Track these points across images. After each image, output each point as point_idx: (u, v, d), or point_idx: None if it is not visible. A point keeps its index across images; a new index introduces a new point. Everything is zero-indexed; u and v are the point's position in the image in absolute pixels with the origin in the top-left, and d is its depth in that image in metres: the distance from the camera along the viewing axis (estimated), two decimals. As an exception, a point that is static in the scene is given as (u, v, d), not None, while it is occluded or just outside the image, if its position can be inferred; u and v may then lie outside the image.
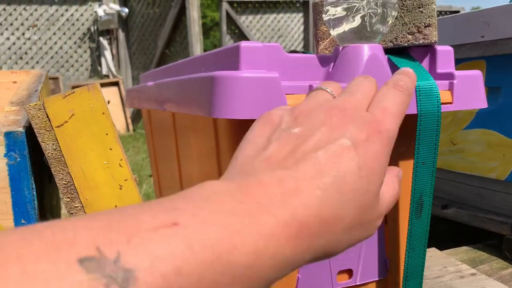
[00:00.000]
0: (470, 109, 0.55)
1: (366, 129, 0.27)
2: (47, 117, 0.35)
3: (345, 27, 0.50)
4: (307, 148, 0.26)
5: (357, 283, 0.58)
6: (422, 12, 0.53)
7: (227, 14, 5.34)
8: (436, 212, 1.08)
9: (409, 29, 0.54)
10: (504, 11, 0.90)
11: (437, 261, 0.81)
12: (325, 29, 0.57)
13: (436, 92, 0.52)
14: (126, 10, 4.68)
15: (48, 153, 0.36)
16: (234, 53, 0.48)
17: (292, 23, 5.59)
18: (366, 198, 0.26)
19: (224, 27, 5.33)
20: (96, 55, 4.64)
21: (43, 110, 0.35)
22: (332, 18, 0.50)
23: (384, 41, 0.55)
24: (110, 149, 0.38)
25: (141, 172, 3.01)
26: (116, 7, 4.59)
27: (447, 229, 1.15)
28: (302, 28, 5.63)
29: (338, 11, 0.49)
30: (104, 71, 4.61)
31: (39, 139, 0.36)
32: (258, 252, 0.21)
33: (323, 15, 0.52)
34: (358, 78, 0.33)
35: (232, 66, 0.49)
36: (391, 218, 0.59)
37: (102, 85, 4.43)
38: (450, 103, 0.54)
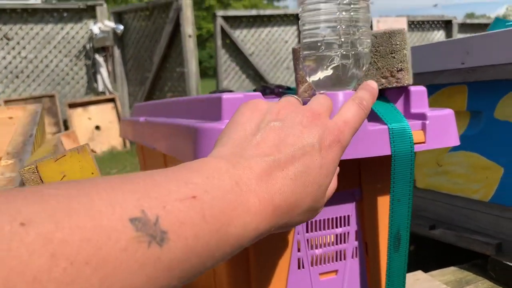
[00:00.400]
0: (442, 147, 0.58)
1: (330, 137, 0.35)
2: (41, 179, 0.38)
3: (320, 75, 0.53)
4: (287, 142, 0.33)
5: (341, 315, 0.60)
6: (394, 57, 0.57)
7: (222, 28, 5.40)
8: (423, 233, 1.10)
9: (382, 73, 0.57)
10: (482, 40, 0.93)
11: (422, 285, 0.84)
12: (303, 73, 0.60)
13: (409, 133, 0.55)
14: (121, 27, 4.72)
15: (41, 212, 0.39)
16: (216, 103, 0.51)
17: (286, 36, 5.65)
18: (319, 192, 0.34)
19: (218, 41, 5.39)
20: (92, 72, 4.67)
21: (36, 173, 0.38)
22: (307, 66, 0.53)
23: (359, 84, 0.59)
24: (99, 205, 0.41)
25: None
26: (111, 24, 4.64)
27: (436, 248, 1.18)
28: (296, 41, 5.68)
29: (312, 61, 0.52)
30: (100, 88, 4.64)
31: (32, 199, 0.39)
32: (245, 226, 0.28)
33: (300, 63, 0.55)
34: (319, 95, 0.40)
35: (215, 116, 0.52)
36: (371, 250, 0.62)
37: (98, 102, 4.46)
38: (423, 142, 0.57)
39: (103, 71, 4.60)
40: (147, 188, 0.24)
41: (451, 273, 0.96)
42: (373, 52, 0.57)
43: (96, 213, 0.21)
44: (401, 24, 6.19)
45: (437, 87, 1.08)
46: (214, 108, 0.52)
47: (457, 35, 6.63)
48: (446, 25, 6.64)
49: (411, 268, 1.05)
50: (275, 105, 0.36)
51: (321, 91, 0.54)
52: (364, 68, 0.54)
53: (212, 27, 5.97)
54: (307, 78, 0.55)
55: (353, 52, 0.51)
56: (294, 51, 0.61)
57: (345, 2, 0.50)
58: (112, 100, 4.51)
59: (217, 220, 0.26)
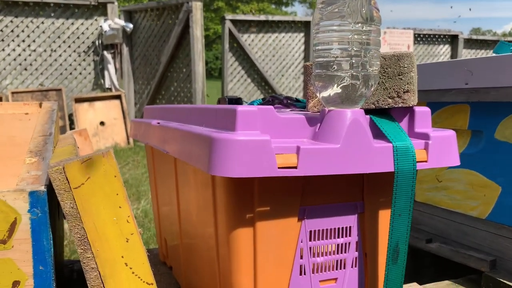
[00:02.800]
0: (443, 166, 0.61)
1: None
2: (67, 179, 0.41)
3: (330, 92, 0.56)
4: None
5: (338, 321, 0.63)
6: (401, 79, 0.60)
7: (230, 32, 5.44)
8: (420, 246, 1.13)
9: (389, 93, 0.60)
10: (486, 62, 0.96)
11: (417, 296, 0.87)
12: (314, 89, 0.63)
13: (412, 152, 0.58)
14: (131, 25, 4.76)
15: (66, 210, 0.42)
16: (231, 115, 0.54)
17: (293, 42, 5.69)
18: None
19: (226, 45, 5.42)
20: (100, 68, 4.71)
21: (63, 174, 0.40)
22: (318, 84, 0.56)
23: (367, 102, 0.61)
24: (120, 207, 0.44)
25: (140, 188, 3.06)
26: (121, 22, 4.68)
27: (432, 261, 1.20)
28: (302, 47, 5.72)
29: (323, 79, 0.55)
30: (107, 84, 4.68)
31: (59, 198, 0.42)
32: None
33: (311, 80, 0.58)
34: None
35: (229, 126, 0.55)
36: (371, 261, 0.64)
37: (104, 98, 4.50)
38: (425, 161, 0.60)
39: (111, 68, 4.64)
40: None
41: (445, 286, 0.99)
42: (382, 73, 0.60)
43: None
44: (408, 36, 6.22)
45: (441, 104, 1.11)
46: (228, 119, 0.55)
47: (462, 51, 6.66)
48: (452, 39, 6.67)
49: (406, 280, 1.08)
50: None
51: (330, 108, 0.57)
52: (372, 88, 0.57)
53: (219, 29, 6.00)
54: (317, 94, 0.58)
55: (362, 73, 0.54)
56: (306, 67, 0.64)
57: (357, 26, 0.53)
58: (118, 97, 4.55)
59: None
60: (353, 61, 0.54)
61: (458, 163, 0.62)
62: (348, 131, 0.55)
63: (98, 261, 0.43)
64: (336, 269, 0.63)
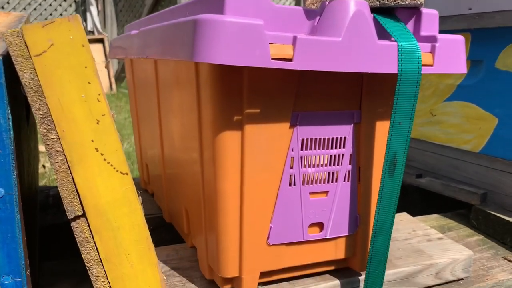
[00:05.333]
0: (450, 73, 0.56)
1: None
2: (25, 45, 0.34)
3: (333, -20, 0.50)
4: None
5: (327, 237, 0.60)
6: (410, -29, 0.53)
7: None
8: (410, 181, 1.11)
9: (396, -12, 0.54)
10: (493, -16, 0.90)
11: (407, 225, 0.84)
12: (313, -17, 0.57)
13: (418, 53, 0.53)
14: (114, -36, 4.52)
15: (25, 82, 0.36)
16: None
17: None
18: None
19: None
20: (82, 10, 4.51)
21: (21, 38, 0.34)
22: (320, -30, 0.50)
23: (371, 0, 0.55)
24: (89, 82, 0.38)
25: (123, 131, 3.00)
26: (104, -40, 4.44)
27: (421, 198, 1.19)
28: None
29: (327, -38, 0.49)
30: (89, 27, 4.49)
31: (17, 67, 0.36)
32: None
33: (312, -33, 0.51)
34: None
35: (217, 12, 0.49)
36: (364, 176, 0.60)
37: (86, 41, 4.33)
38: (431, 65, 0.55)
39: (93, 9, 4.44)
40: None
41: (434, 219, 0.97)
42: (389, -37, 0.54)
43: None
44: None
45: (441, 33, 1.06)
46: (216, 5, 0.49)
47: None
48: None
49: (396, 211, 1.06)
50: None
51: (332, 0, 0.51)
52: (378, -21, 0.51)
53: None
54: (318, -16, 0.52)
55: (370, -45, 0.48)
56: (305, -42, 0.57)
57: None
58: (100, 40, 4.37)
59: None
60: None
61: (465, 71, 0.57)
62: (351, 23, 0.49)
63: (64, 144, 0.38)
64: (328, 182, 0.59)
